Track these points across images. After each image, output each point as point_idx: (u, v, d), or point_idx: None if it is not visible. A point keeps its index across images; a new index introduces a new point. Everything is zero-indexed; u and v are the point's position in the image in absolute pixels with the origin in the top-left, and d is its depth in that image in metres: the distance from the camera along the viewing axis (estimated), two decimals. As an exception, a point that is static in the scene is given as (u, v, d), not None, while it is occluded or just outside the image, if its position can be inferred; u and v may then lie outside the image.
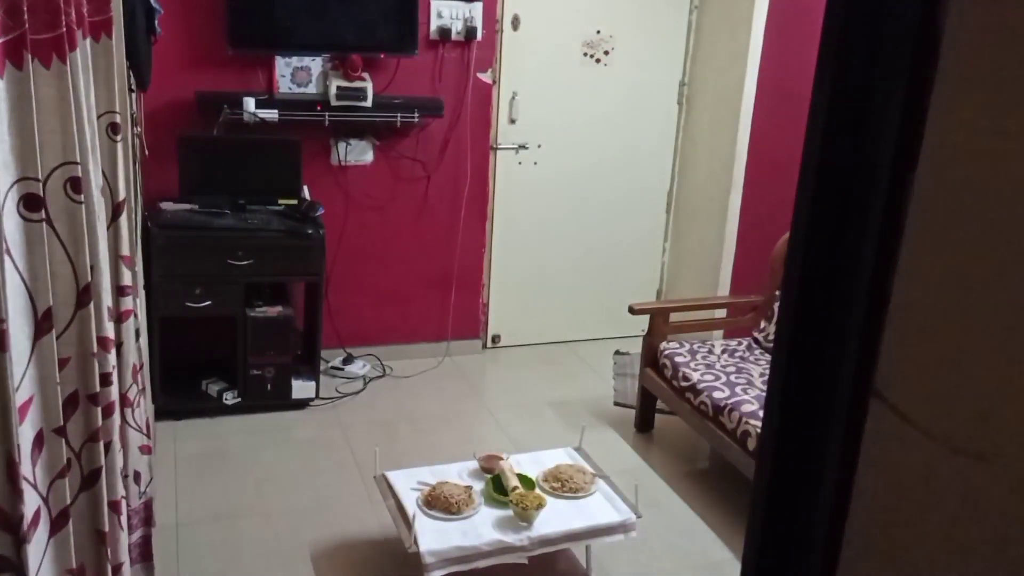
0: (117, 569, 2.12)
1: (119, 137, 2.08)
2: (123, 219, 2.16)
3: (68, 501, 1.81)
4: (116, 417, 2.12)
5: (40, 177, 1.63)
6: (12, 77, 1.55)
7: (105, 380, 1.95)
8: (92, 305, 1.81)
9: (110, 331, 2.01)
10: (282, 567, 2.98)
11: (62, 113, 1.68)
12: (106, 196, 2.05)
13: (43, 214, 1.65)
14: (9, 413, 1.60)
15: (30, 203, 1.61)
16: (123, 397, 2.26)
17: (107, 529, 1.95)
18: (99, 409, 1.87)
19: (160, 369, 3.67)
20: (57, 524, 1.79)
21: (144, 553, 2.61)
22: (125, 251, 2.18)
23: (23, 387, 1.63)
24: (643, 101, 4.88)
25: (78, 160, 1.71)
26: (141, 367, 2.41)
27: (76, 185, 1.72)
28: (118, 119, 2.07)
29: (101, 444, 1.90)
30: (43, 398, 1.70)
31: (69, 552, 1.81)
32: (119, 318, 2.18)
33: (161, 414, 3.73)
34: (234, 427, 3.90)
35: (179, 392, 3.93)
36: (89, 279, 1.79)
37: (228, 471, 3.54)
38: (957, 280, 0.67)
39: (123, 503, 2.21)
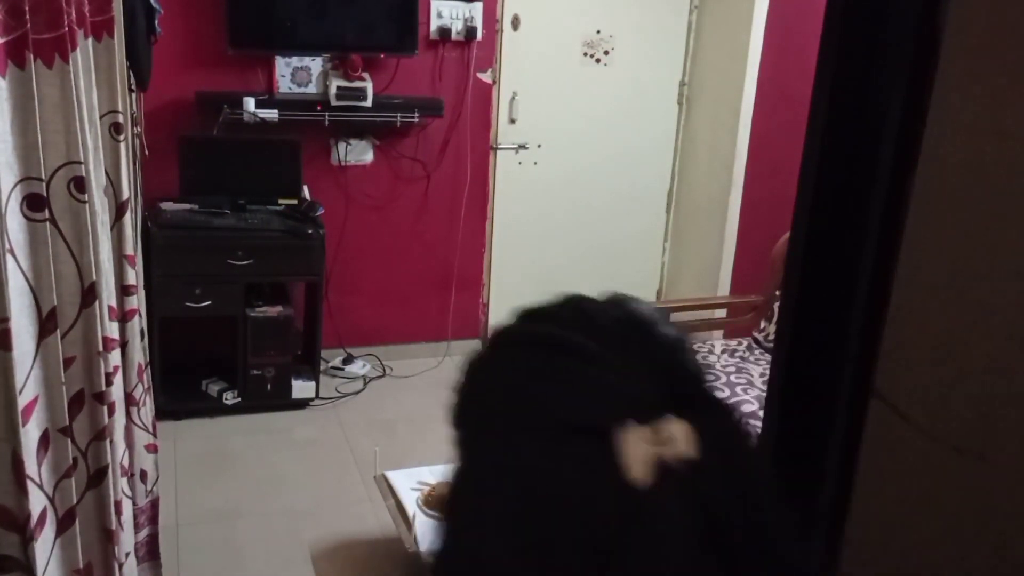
0: (118, 569, 2.12)
1: (122, 137, 2.08)
2: (127, 219, 2.16)
3: (75, 501, 1.80)
4: (118, 416, 2.13)
5: (43, 177, 1.63)
6: (15, 77, 1.55)
7: (107, 380, 1.95)
8: (97, 304, 1.82)
9: (112, 331, 2.01)
10: (282, 567, 2.98)
11: (65, 113, 1.68)
12: (109, 196, 2.05)
13: (47, 214, 1.65)
14: (14, 412, 1.60)
15: (33, 203, 1.61)
16: (129, 396, 2.26)
17: (114, 527, 1.95)
18: (104, 408, 1.87)
19: (160, 369, 3.66)
20: (64, 524, 1.78)
21: (151, 551, 2.62)
22: (129, 250, 2.18)
23: (28, 387, 1.63)
24: (643, 101, 4.88)
25: (82, 160, 1.71)
26: (146, 366, 2.41)
27: (80, 185, 1.72)
28: (121, 119, 2.07)
29: (108, 442, 1.90)
30: (48, 398, 1.70)
31: (76, 552, 1.81)
32: (124, 317, 2.18)
33: (161, 414, 3.71)
34: (234, 427, 3.90)
35: (179, 392, 3.92)
36: (94, 278, 1.79)
37: (228, 471, 3.54)
38: (957, 280, 0.67)
39: (124, 503, 2.21)
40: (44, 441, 1.71)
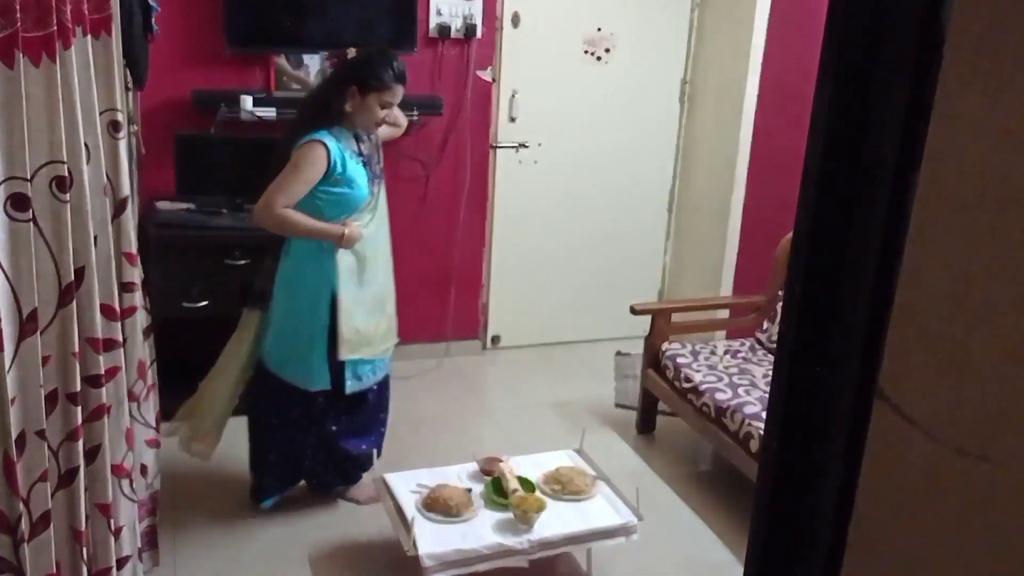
0: (106, 572, 2.10)
1: (120, 135, 2.07)
2: (126, 216, 2.15)
3: (49, 505, 1.79)
4: (116, 417, 2.11)
5: (28, 176, 1.62)
6: (3, 76, 1.54)
7: (94, 382, 1.93)
8: (75, 305, 1.80)
9: (101, 331, 2.00)
10: (282, 568, 2.97)
11: (51, 112, 1.66)
12: (108, 194, 2.05)
13: (30, 214, 1.64)
14: (6, 414, 1.59)
15: (17, 203, 1.60)
16: (128, 392, 2.26)
17: (83, 528, 1.93)
18: (78, 409, 1.86)
19: (157, 369, 3.65)
20: (37, 527, 1.77)
21: (151, 541, 2.64)
22: (128, 248, 2.17)
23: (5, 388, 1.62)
24: (644, 99, 4.87)
25: (64, 159, 1.70)
26: (152, 363, 2.40)
27: (61, 184, 1.71)
28: (119, 117, 2.06)
29: (79, 443, 1.89)
30: (25, 400, 1.69)
31: (50, 556, 1.79)
32: (122, 314, 2.17)
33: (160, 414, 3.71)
34: (233, 427, 3.88)
35: (177, 392, 3.90)
36: (72, 279, 1.77)
37: (228, 471, 3.53)
38: (960, 280, 0.67)
39: (123, 504, 2.20)
40: (20, 443, 1.70)
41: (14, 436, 1.67)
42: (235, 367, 3.20)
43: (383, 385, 3.30)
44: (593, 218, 4.94)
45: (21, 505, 1.70)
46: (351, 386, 3.10)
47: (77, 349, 1.82)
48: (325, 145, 2.87)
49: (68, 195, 1.72)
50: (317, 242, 2.95)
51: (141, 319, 2.31)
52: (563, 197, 4.85)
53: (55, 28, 1.62)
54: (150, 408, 2.48)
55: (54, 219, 1.71)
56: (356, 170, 2.96)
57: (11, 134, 1.56)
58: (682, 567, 3.12)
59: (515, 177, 4.74)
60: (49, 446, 1.82)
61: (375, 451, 3.18)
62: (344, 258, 2.96)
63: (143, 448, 2.45)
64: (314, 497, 3.39)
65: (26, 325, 1.64)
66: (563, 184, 4.83)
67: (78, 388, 1.84)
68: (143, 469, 2.47)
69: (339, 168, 2.90)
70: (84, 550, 1.95)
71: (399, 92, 2.99)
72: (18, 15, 1.52)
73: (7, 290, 1.60)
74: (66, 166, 1.70)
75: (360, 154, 3.00)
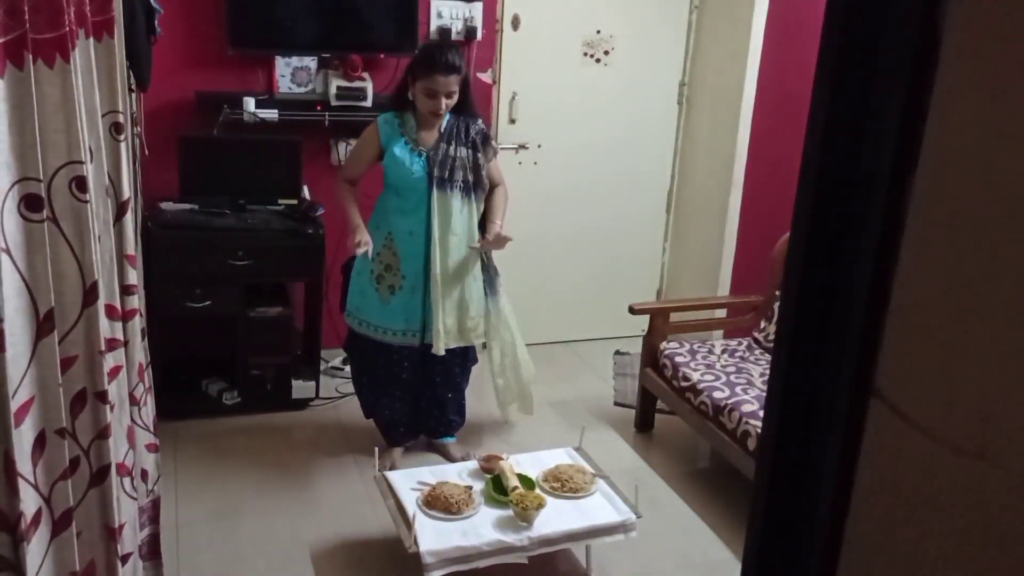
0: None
1: (122, 137, 2.08)
2: (127, 218, 2.16)
3: (71, 503, 1.80)
4: (120, 416, 2.12)
5: (41, 177, 1.62)
6: (13, 77, 1.55)
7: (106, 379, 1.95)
8: (99, 303, 1.81)
9: (113, 331, 2.01)
10: (282, 567, 2.98)
11: (67, 112, 1.67)
12: (110, 196, 2.05)
13: (45, 214, 1.64)
14: (7, 413, 1.59)
15: (31, 203, 1.61)
16: (129, 395, 2.26)
17: (116, 525, 1.94)
18: (107, 407, 1.87)
19: (160, 369, 3.66)
20: (60, 525, 1.78)
21: (153, 551, 2.62)
22: (130, 250, 2.18)
23: (23, 388, 1.63)
24: (643, 101, 4.87)
25: (83, 159, 1.71)
26: (147, 365, 2.40)
27: (81, 184, 1.72)
28: (121, 119, 2.06)
29: (110, 441, 1.90)
30: (44, 399, 1.70)
31: (72, 553, 1.81)
32: (124, 316, 2.18)
33: (161, 414, 3.69)
34: (234, 427, 3.90)
35: (179, 392, 3.92)
36: (96, 277, 1.78)
37: (228, 471, 3.54)
38: (957, 280, 0.67)
39: (125, 502, 2.21)
40: (40, 442, 1.71)
41: (34, 435, 1.68)
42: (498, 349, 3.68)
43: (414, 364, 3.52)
44: (592, 219, 4.95)
45: (42, 503, 1.71)
46: (348, 320, 3.54)
47: (103, 347, 1.83)
48: (378, 123, 3.28)
49: (88, 195, 1.73)
50: (381, 210, 3.37)
51: (138, 321, 2.31)
52: (563, 198, 4.86)
53: (68, 29, 1.63)
54: (148, 412, 2.48)
55: (76, 219, 1.72)
56: (401, 153, 3.25)
57: (23, 135, 1.56)
58: (680, 564, 3.13)
59: (515, 178, 4.72)
60: (80, 445, 1.83)
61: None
62: (377, 235, 3.32)
63: (143, 453, 2.45)
64: (317, 494, 3.40)
65: (43, 325, 1.65)
66: (563, 185, 4.83)
67: (106, 386, 1.85)
68: (144, 474, 2.47)
69: (384, 144, 3.27)
70: (119, 547, 1.96)
71: (440, 81, 3.09)
72: (27, 16, 1.53)
73: (23, 290, 1.60)
74: (84, 166, 1.71)
75: (417, 144, 3.26)
